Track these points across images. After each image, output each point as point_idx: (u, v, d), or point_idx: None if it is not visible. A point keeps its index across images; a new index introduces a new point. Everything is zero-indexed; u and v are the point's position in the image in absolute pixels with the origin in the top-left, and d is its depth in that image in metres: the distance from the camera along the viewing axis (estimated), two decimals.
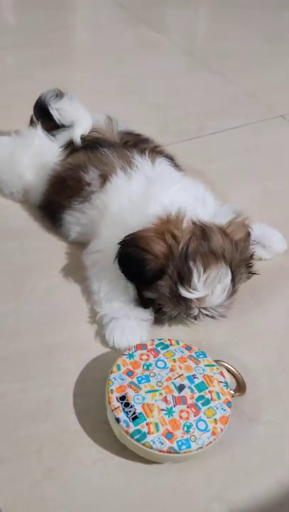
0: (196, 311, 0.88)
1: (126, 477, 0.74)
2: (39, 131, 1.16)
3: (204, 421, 0.74)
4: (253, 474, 0.76)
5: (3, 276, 1.03)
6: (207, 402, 0.77)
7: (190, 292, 0.84)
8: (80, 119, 1.14)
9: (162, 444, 0.71)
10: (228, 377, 0.83)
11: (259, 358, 0.92)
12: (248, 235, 0.94)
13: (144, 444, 0.72)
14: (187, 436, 0.72)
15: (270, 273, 1.09)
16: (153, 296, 0.90)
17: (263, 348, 0.94)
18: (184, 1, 2.64)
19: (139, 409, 0.75)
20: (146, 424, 0.73)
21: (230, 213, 0.95)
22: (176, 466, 0.75)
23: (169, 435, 0.72)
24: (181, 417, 0.74)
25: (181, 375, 0.80)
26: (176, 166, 1.12)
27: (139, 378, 0.79)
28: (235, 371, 0.85)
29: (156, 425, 0.73)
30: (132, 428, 0.73)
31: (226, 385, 0.80)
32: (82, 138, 1.13)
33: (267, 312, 1.01)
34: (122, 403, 0.75)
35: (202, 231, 0.87)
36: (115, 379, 0.78)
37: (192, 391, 0.78)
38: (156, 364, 0.81)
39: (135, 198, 0.97)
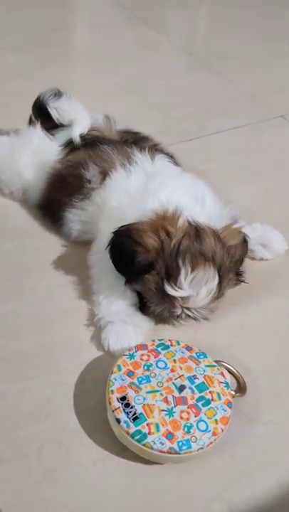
0: (179, 311, 0.88)
1: (126, 478, 0.74)
2: (38, 130, 1.17)
3: (205, 421, 0.74)
4: (254, 475, 0.76)
5: (3, 276, 1.03)
6: (208, 402, 0.77)
7: (175, 290, 0.84)
8: (79, 118, 1.14)
9: (163, 444, 0.71)
10: (229, 378, 0.83)
11: (259, 358, 0.92)
12: (243, 242, 0.94)
13: (144, 445, 0.72)
14: (188, 437, 0.72)
15: (270, 273, 1.09)
16: (139, 288, 0.90)
17: (264, 349, 0.94)
18: (184, 0, 2.64)
19: (139, 409, 0.75)
20: (147, 424, 0.73)
21: (228, 218, 0.95)
22: (176, 466, 0.75)
23: (169, 436, 0.72)
24: (181, 418, 0.74)
25: (182, 375, 0.80)
26: (175, 163, 1.12)
27: (140, 379, 0.79)
28: (235, 372, 0.85)
29: (157, 426, 0.73)
30: (133, 428, 0.73)
31: (227, 385, 0.80)
32: (82, 137, 1.13)
33: (267, 313, 1.01)
34: (122, 404, 0.75)
35: (196, 232, 0.87)
36: (116, 379, 0.78)
37: (193, 391, 0.78)
38: (156, 364, 0.81)
39: (134, 194, 0.98)
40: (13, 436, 0.78)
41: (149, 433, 0.72)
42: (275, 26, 2.46)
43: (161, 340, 0.86)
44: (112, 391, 0.77)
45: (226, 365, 0.85)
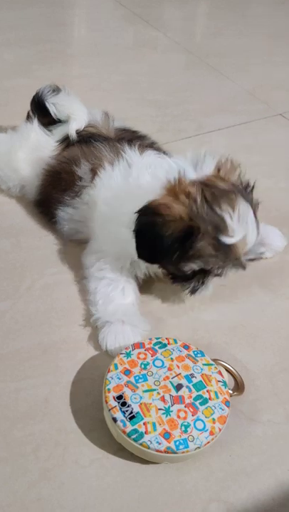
0: (242, 258, 0.86)
1: (123, 477, 0.74)
2: (35, 125, 1.16)
3: (202, 420, 0.74)
4: (252, 474, 0.75)
5: (0, 274, 1.02)
6: (205, 401, 0.76)
7: (233, 237, 0.82)
8: (76, 113, 1.13)
9: (160, 443, 0.71)
10: (227, 377, 0.82)
11: (258, 357, 0.91)
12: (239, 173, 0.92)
13: (141, 444, 0.71)
14: (185, 436, 0.72)
15: (269, 272, 1.08)
16: (197, 264, 0.85)
17: (262, 348, 0.93)
18: None
19: (136, 408, 0.74)
20: (144, 423, 0.72)
21: (211, 160, 0.91)
22: (173, 466, 0.75)
23: (166, 435, 0.72)
24: (178, 417, 0.74)
25: (179, 374, 0.79)
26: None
27: (137, 377, 0.78)
28: (233, 370, 0.85)
29: (154, 425, 0.72)
30: (129, 428, 0.72)
31: (225, 384, 0.79)
32: (78, 133, 1.12)
33: (266, 311, 1.00)
34: (119, 402, 0.75)
35: (206, 183, 0.86)
36: (112, 378, 0.78)
37: (190, 390, 0.77)
38: (153, 363, 0.80)
39: (121, 192, 0.96)
40: (10, 435, 0.77)
41: (145, 432, 0.72)
42: (274, 24, 2.45)
43: (159, 338, 0.85)
44: (109, 390, 0.76)
45: (223, 363, 0.85)
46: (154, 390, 0.77)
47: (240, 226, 0.82)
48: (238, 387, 0.83)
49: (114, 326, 0.90)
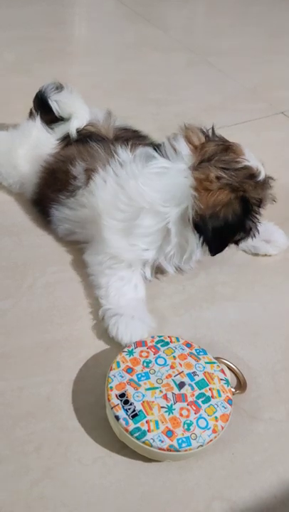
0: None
1: (126, 475, 0.73)
2: (37, 123, 1.16)
3: (205, 419, 0.74)
4: (254, 472, 0.75)
5: (2, 273, 1.02)
6: (208, 399, 0.76)
7: (260, 171, 0.94)
8: (78, 112, 1.13)
9: (162, 442, 0.71)
10: (229, 375, 0.82)
11: (260, 355, 0.91)
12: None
13: (144, 442, 0.71)
14: (188, 434, 0.72)
15: (271, 270, 1.08)
16: (260, 213, 0.96)
17: (264, 346, 0.93)
18: None
19: (138, 406, 0.74)
20: (146, 421, 0.72)
21: (178, 138, 0.97)
22: (176, 464, 0.75)
23: (169, 433, 0.72)
24: (181, 415, 0.74)
25: (182, 372, 0.79)
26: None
27: (139, 375, 0.78)
28: (235, 369, 0.85)
29: (156, 423, 0.72)
30: (132, 426, 0.72)
31: (227, 382, 0.79)
32: (78, 131, 1.12)
33: (268, 309, 1.00)
34: (121, 401, 0.75)
35: (206, 159, 0.92)
36: (115, 376, 0.78)
37: (192, 388, 0.77)
38: (156, 361, 0.80)
39: (125, 207, 0.95)
40: (12, 434, 0.77)
41: (148, 430, 0.72)
42: (275, 22, 2.45)
43: (161, 336, 0.85)
44: (111, 388, 0.76)
45: (226, 362, 0.85)
46: (157, 388, 0.77)
47: (255, 159, 0.93)
48: (241, 385, 0.83)
49: (124, 317, 0.91)
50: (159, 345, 0.83)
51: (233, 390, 0.81)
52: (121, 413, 0.73)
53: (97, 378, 0.84)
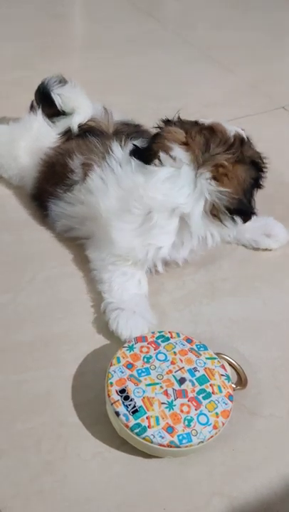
0: None
1: (125, 471, 0.73)
2: (39, 116, 1.15)
3: (205, 415, 0.73)
4: (255, 468, 0.75)
5: (2, 267, 1.02)
6: (208, 395, 0.76)
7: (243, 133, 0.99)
8: (81, 106, 1.12)
9: (163, 438, 0.70)
10: (230, 371, 0.82)
11: (260, 351, 0.91)
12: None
13: (144, 438, 0.71)
14: (188, 431, 0.72)
15: (271, 265, 1.08)
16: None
17: (265, 342, 0.93)
18: None
19: (139, 402, 0.74)
20: (147, 417, 0.72)
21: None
22: (176, 460, 0.74)
23: (169, 429, 0.71)
24: (182, 411, 0.73)
25: (182, 368, 0.79)
26: None
27: (139, 371, 0.78)
28: (236, 364, 0.84)
29: (157, 419, 0.72)
30: (132, 422, 0.72)
31: (228, 378, 0.79)
32: (80, 126, 1.11)
33: (268, 305, 1.00)
34: (121, 396, 0.74)
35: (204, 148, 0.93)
36: (115, 372, 0.77)
37: (193, 384, 0.77)
38: (156, 357, 0.80)
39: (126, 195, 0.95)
40: (12, 429, 0.77)
41: (148, 426, 0.71)
42: (276, 17, 2.44)
43: (161, 332, 0.85)
44: (112, 383, 0.76)
45: (226, 357, 0.84)
46: (157, 383, 0.76)
47: (233, 126, 0.98)
48: (241, 381, 0.83)
49: (126, 312, 0.90)
50: (159, 341, 0.83)
51: (234, 386, 0.80)
52: (121, 409, 0.73)
53: (97, 373, 0.84)
